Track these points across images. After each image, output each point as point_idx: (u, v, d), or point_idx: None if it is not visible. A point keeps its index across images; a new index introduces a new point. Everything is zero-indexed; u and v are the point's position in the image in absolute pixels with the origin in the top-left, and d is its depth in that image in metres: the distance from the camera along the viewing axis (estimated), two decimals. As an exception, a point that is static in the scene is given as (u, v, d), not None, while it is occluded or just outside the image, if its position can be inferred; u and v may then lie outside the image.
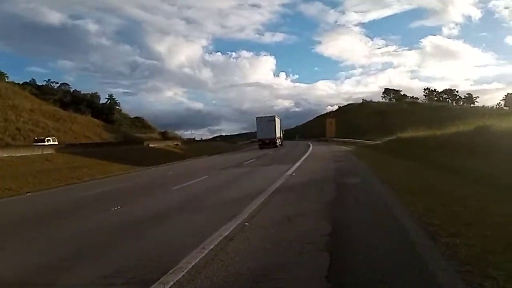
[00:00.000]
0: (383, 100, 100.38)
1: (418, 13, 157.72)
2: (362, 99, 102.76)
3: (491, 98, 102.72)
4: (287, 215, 6.08)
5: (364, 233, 4.69)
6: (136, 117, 70.81)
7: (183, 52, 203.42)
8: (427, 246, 4.02)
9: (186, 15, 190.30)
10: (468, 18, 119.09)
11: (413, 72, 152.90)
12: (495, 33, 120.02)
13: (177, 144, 48.21)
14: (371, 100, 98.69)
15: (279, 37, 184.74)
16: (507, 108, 62.70)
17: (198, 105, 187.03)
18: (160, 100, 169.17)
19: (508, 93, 73.76)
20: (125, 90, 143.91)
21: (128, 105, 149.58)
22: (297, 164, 16.06)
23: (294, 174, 12.18)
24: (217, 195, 9.04)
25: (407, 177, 9.89)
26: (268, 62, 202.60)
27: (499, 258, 3.44)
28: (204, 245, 4.56)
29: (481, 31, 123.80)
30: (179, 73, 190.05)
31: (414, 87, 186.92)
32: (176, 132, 68.82)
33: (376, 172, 11.72)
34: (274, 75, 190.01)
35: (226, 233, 5.06)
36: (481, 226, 4.48)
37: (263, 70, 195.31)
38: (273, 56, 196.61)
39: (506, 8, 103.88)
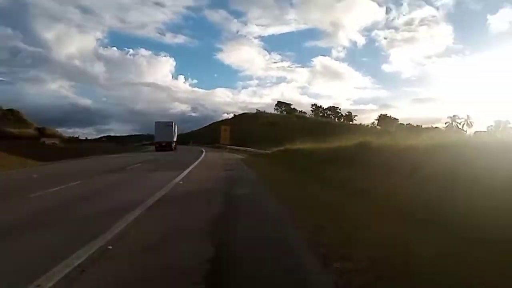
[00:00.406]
0: (276, 112, 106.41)
1: (312, 33, 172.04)
2: (257, 109, 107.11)
3: (367, 117, 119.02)
4: (163, 235, 5.14)
5: (250, 259, 4.11)
6: (9, 109, 59.97)
7: (74, 43, 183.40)
8: (318, 274, 3.60)
9: (83, 4, 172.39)
10: (354, 43, 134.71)
11: (303, 88, 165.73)
12: (374, 60, 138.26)
13: (54, 143, 42.13)
14: (264, 111, 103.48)
15: (180, 39, 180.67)
16: (380, 127, 71.87)
17: (86, 102, 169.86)
18: (42, 92, 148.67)
19: (381, 114, 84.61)
20: (0, 78, 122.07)
21: (2, 95, 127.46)
22: (187, 171, 15.01)
23: (182, 182, 11.15)
24: (85, 206, 7.42)
25: (296, 190, 9.82)
26: (167, 64, 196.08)
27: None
28: (42, 281, 3.32)
29: (363, 56, 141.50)
30: (68, 64, 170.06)
31: (303, 102, 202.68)
32: (57, 129, 60.39)
33: (266, 183, 11.59)
34: (172, 77, 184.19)
35: (78, 262, 3.86)
36: (370, 246, 4.26)
37: (161, 71, 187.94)
38: (173, 58, 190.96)
39: (385, 38, 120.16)
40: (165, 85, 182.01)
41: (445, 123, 67.48)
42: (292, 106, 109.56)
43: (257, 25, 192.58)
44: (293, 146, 22.62)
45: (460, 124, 66.97)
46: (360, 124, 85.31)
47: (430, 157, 7.71)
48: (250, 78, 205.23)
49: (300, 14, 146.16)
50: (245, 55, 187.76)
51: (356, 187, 8.60)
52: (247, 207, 7.42)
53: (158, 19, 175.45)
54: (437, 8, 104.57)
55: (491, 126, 54.23)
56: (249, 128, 72.28)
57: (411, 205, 6.04)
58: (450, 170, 6.52)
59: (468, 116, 68.10)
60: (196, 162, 20.83)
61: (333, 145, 15.38)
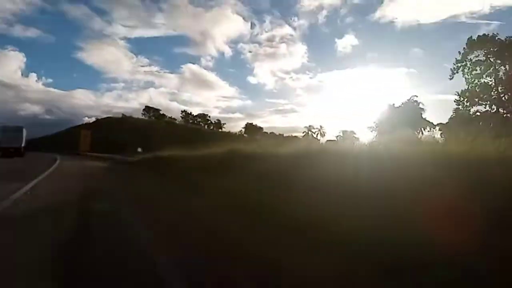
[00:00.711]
0: (143, 117, 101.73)
1: (182, 40, 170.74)
2: (122, 113, 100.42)
3: (235, 125, 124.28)
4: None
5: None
6: None
7: None
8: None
9: None
10: (222, 54, 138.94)
11: (173, 94, 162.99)
12: (240, 71, 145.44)
13: None
14: (131, 116, 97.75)
15: (33, 33, 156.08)
16: (246, 135, 75.76)
17: None
18: None
19: (247, 123, 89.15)
20: None
21: None
22: (35, 182, 12.67)
23: (27, 195, 9.23)
24: None
25: (167, 203, 9.22)
26: (16, 59, 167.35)
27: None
28: None
29: (230, 67, 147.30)
30: None
31: (172, 109, 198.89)
32: None
33: (132, 197, 10.55)
34: (22, 74, 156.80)
35: None
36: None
37: (8, 66, 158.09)
38: (23, 53, 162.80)
39: (249, 52, 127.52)
40: (13, 83, 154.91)
41: (303, 133, 75.85)
42: (161, 112, 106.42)
43: (123, 25, 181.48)
44: (163, 153, 21.60)
45: (314, 133, 75.99)
46: (229, 132, 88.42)
47: (291, 164, 8.24)
48: (115, 80, 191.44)
49: (169, 20, 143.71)
50: (110, 56, 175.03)
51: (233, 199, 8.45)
52: (105, 229, 6.12)
53: (4, 8, 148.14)
54: (294, 28, 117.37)
55: (339, 135, 63.46)
56: (114, 134, 67.13)
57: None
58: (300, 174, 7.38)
59: (321, 127, 77.92)
60: (49, 171, 17.94)
61: (205, 152, 15.19)
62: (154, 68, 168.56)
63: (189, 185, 12.22)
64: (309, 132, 79.90)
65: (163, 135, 55.47)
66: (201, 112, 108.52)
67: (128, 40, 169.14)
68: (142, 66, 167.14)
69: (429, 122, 46.65)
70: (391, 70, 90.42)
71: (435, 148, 6.38)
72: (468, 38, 40.50)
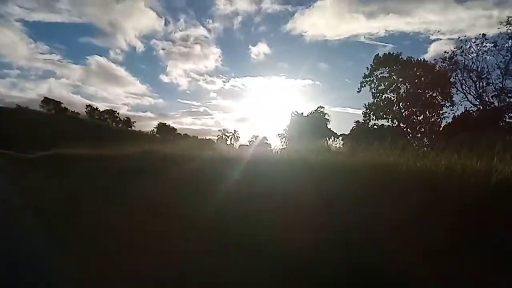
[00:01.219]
0: (42, 110, 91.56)
1: (88, 29, 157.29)
2: (17, 104, 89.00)
3: (146, 124, 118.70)
4: None
5: None
6: None
7: None
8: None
9: None
10: (133, 48, 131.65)
11: (76, 87, 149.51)
12: (152, 69, 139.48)
13: None
14: (27, 107, 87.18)
15: None
16: (159, 135, 73.32)
17: None
18: None
19: (160, 123, 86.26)
20: None
21: None
22: None
23: None
24: None
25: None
26: None
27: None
28: None
29: (142, 63, 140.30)
30: None
31: (76, 102, 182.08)
32: None
33: (29, 206, 9.37)
34: None
35: None
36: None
37: None
38: None
39: (163, 49, 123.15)
40: None
41: (217, 136, 76.35)
42: (62, 105, 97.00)
43: (19, 6, 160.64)
44: (65, 151, 19.60)
45: (228, 137, 77.10)
46: (140, 131, 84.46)
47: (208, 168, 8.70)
48: (9, 66, 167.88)
49: (74, 6, 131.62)
50: (4, 39, 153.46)
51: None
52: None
53: None
54: (209, 30, 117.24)
55: (252, 140, 65.38)
56: (5, 127, 59.13)
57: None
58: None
59: (235, 131, 79.27)
60: None
61: (115, 152, 14.26)
62: (56, 57, 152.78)
63: (100, 191, 11.27)
64: (223, 136, 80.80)
65: (65, 131, 50.75)
66: (108, 108, 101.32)
67: (25, 23, 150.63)
68: (42, 53, 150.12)
69: (333, 132, 50.85)
70: (299, 81, 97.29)
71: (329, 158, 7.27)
72: (375, 55, 44.53)
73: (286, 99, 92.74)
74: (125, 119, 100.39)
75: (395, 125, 42.49)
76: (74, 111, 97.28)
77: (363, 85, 44.69)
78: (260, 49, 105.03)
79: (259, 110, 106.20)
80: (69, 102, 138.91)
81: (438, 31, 65.91)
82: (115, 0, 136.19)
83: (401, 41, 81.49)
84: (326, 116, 53.75)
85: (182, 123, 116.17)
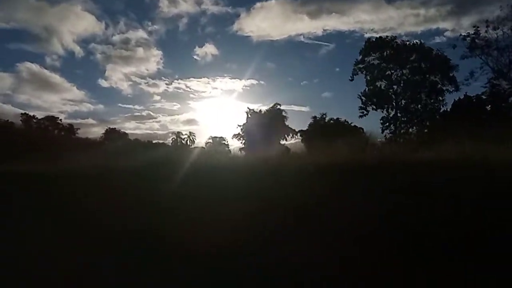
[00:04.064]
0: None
1: (20, 35, 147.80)
2: None
3: (87, 131, 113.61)
4: None
5: None
6: None
7: None
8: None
9: None
10: (71, 53, 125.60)
11: (6, 96, 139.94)
12: (90, 73, 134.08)
13: None
14: None
15: None
16: (107, 142, 70.72)
17: None
18: None
19: (108, 128, 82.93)
20: None
21: None
22: None
23: None
24: None
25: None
26: None
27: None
28: None
29: (79, 68, 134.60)
30: None
31: (6, 113, 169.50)
32: None
33: None
34: None
35: None
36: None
37: None
38: None
39: (102, 53, 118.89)
40: None
41: (172, 139, 75.00)
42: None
43: None
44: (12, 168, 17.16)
45: (184, 140, 75.98)
46: (87, 138, 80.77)
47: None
48: None
49: (2, 11, 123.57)
50: None
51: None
52: None
53: None
54: (151, 33, 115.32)
55: (209, 142, 65.28)
56: None
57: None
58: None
59: (190, 133, 78.29)
60: None
61: (68, 167, 13.43)
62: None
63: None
64: (178, 139, 79.47)
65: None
66: (49, 115, 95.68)
67: None
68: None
69: (292, 129, 51.92)
70: (243, 81, 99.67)
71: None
72: (367, 40, 44.30)
73: (230, 99, 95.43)
74: (67, 126, 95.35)
75: (392, 114, 42.44)
76: (7, 120, 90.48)
77: (355, 72, 43.92)
78: (207, 50, 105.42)
79: (206, 111, 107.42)
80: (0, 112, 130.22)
81: (372, 29, 72.36)
82: (49, 4, 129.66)
83: (339, 39, 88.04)
84: (284, 113, 54.47)
85: (125, 128, 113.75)
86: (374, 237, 5.63)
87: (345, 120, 49.04)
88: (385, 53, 42.05)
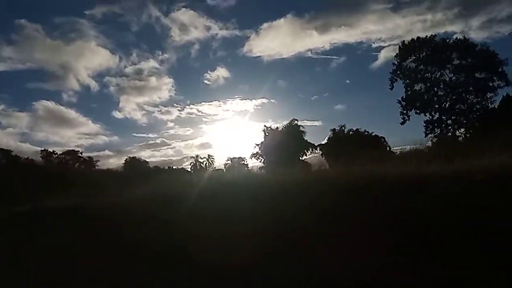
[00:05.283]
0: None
1: (36, 74, 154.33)
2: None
3: (105, 163, 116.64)
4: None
5: None
6: None
7: None
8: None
9: None
10: (87, 88, 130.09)
11: (24, 135, 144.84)
12: (104, 106, 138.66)
13: None
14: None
15: None
16: (128, 171, 72.22)
17: None
18: None
19: (129, 157, 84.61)
20: None
21: None
22: None
23: None
24: None
25: None
26: None
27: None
28: None
29: (94, 102, 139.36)
30: None
31: (25, 151, 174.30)
32: None
33: None
34: None
35: None
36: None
37: None
38: None
39: (116, 85, 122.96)
40: None
41: (190, 164, 76.14)
42: (13, 153, 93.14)
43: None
44: (43, 205, 17.34)
45: (202, 163, 77.03)
46: (108, 168, 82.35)
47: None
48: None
49: (20, 53, 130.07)
50: None
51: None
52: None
53: None
54: (162, 62, 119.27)
55: (228, 163, 66.04)
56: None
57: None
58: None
59: (209, 156, 79.34)
60: None
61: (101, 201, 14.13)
62: (0, 107, 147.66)
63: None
64: (196, 162, 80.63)
65: (24, 181, 49.19)
66: (70, 149, 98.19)
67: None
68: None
69: (311, 143, 52.02)
70: (254, 101, 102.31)
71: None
72: (401, 43, 42.89)
73: (243, 120, 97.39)
74: (87, 158, 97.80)
75: (435, 118, 41.03)
76: (28, 157, 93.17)
77: (394, 79, 42.72)
78: (218, 74, 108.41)
79: (219, 133, 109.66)
80: (18, 151, 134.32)
81: (379, 39, 72.69)
82: (65, 42, 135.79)
83: (347, 52, 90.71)
84: (301, 128, 54.75)
85: (141, 156, 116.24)
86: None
87: (365, 130, 49.02)
88: (422, 55, 40.36)
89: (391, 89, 43.10)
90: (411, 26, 79.24)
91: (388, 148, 42.09)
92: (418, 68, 40.86)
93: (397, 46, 43.23)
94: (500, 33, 72.03)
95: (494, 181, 6.86)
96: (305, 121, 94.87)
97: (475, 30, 67.98)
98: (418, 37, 41.80)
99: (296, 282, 5.69)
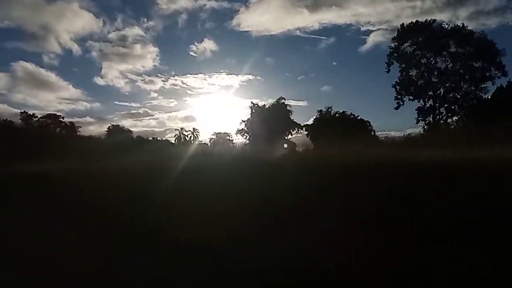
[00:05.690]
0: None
1: (15, 33, 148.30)
2: None
3: (86, 130, 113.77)
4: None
5: None
6: None
7: None
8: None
9: None
10: (69, 52, 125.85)
11: (1, 95, 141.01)
12: (86, 72, 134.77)
13: None
14: None
15: None
16: (112, 139, 71.23)
17: None
18: None
19: (112, 125, 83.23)
20: None
21: None
22: None
23: None
24: None
25: None
26: None
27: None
28: None
29: (75, 66, 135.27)
30: None
31: (3, 112, 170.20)
32: None
33: None
34: None
35: None
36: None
37: None
38: None
39: (99, 51, 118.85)
40: None
41: (175, 136, 75.45)
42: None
43: None
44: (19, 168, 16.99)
45: (187, 136, 76.55)
46: (90, 135, 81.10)
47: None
48: None
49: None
50: None
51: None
52: None
53: None
54: (147, 29, 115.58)
55: (213, 138, 65.78)
56: None
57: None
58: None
59: (194, 129, 78.76)
60: None
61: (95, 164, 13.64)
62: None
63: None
64: (181, 135, 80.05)
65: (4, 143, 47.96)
66: (51, 112, 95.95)
67: None
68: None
69: (297, 123, 52.18)
70: (240, 77, 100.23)
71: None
72: (400, 25, 41.97)
73: (227, 95, 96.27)
74: (69, 124, 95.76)
75: (428, 105, 41.06)
76: (6, 119, 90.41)
77: (391, 62, 42.08)
78: (206, 46, 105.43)
79: (203, 107, 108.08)
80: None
81: (368, 22, 72.93)
82: (46, 2, 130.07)
83: (336, 33, 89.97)
84: (288, 108, 54.74)
85: (123, 125, 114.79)
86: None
87: (351, 113, 49.79)
88: (420, 39, 39.77)
89: (388, 72, 42.79)
90: (401, 11, 78.79)
91: (373, 133, 41.65)
92: (415, 53, 40.39)
93: (386, 31, 43.45)
94: (486, 25, 73.02)
95: (484, 170, 7.01)
96: (290, 100, 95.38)
97: (463, 20, 67.78)
98: (417, 21, 41.01)
99: (278, 261, 5.72)
